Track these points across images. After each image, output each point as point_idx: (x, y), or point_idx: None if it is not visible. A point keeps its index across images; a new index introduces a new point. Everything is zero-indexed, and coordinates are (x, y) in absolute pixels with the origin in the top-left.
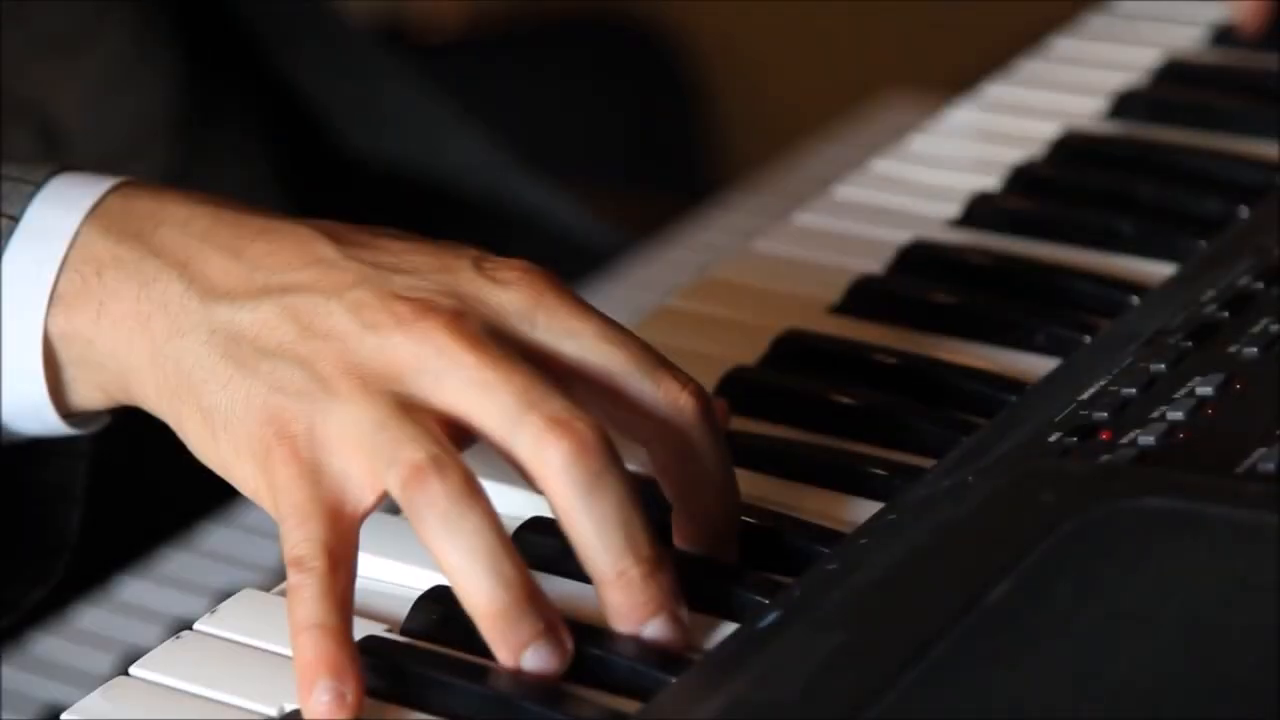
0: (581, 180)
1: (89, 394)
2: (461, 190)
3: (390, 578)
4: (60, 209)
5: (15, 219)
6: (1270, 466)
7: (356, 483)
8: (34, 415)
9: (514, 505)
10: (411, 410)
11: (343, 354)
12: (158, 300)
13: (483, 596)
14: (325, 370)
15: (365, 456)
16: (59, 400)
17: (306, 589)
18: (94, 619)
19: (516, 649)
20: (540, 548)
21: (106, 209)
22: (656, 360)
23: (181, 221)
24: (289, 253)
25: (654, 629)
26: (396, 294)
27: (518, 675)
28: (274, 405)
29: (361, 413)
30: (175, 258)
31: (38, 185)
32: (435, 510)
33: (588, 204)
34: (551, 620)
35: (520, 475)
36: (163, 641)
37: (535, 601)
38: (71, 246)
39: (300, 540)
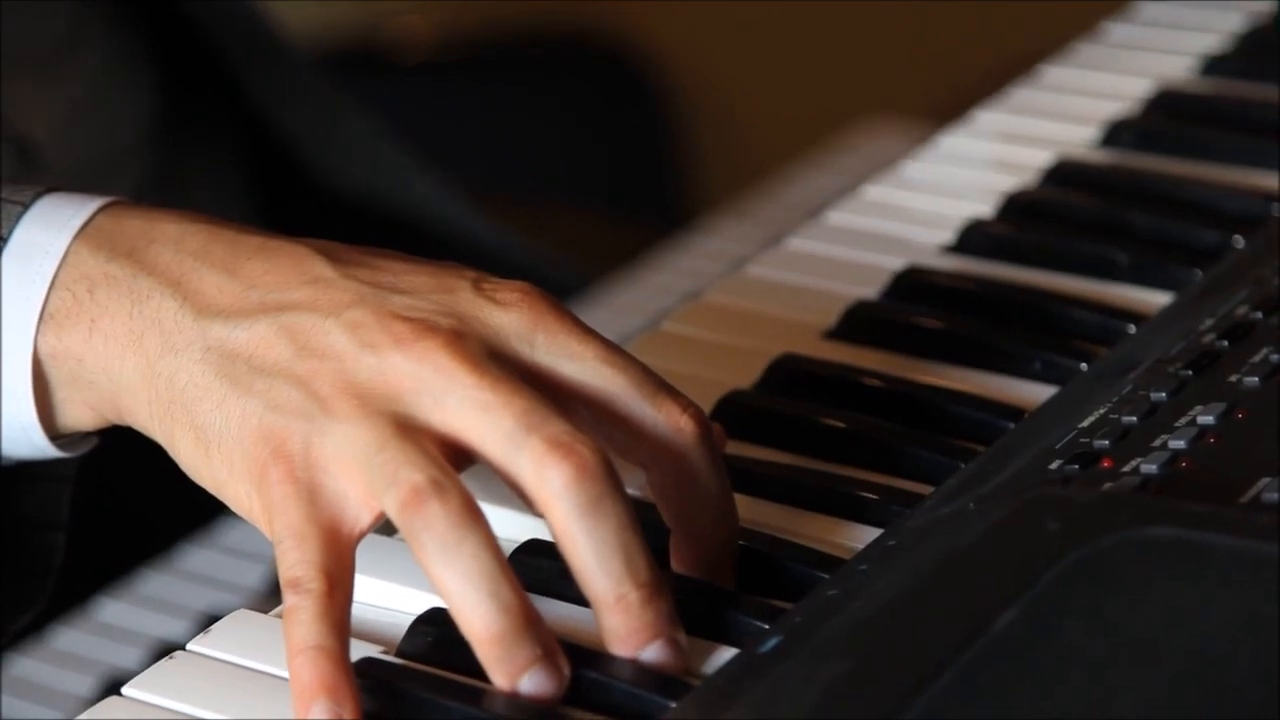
0: (554, 203)
1: (79, 414)
2: (420, 226)
3: (386, 600)
4: (49, 228)
5: (4, 239)
6: (1274, 497)
7: (354, 504)
8: (22, 437)
9: (510, 528)
10: (410, 431)
11: (340, 373)
12: (151, 318)
13: (480, 621)
14: (323, 390)
15: (363, 478)
16: (48, 421)
17: (304, 610)
18: (73, 640)
19: (514, 674)
20: (537, 570)
21: (97, 227)
22: (657, 383)
23: (174, 239)
24: (285, 271)
25: (652, 654)
26: (395, 314)
27: (514, 699)
28: (270, 424)
29: (360, 433)
30: (169, 275)
31: (25, 205)
32: (433, 533)
33: (559, 226)
34: (549, 645)
35: (519, 497)
36: (142, 663)
37: (533, 626)
38: (62, 265)
39: (297, 562)
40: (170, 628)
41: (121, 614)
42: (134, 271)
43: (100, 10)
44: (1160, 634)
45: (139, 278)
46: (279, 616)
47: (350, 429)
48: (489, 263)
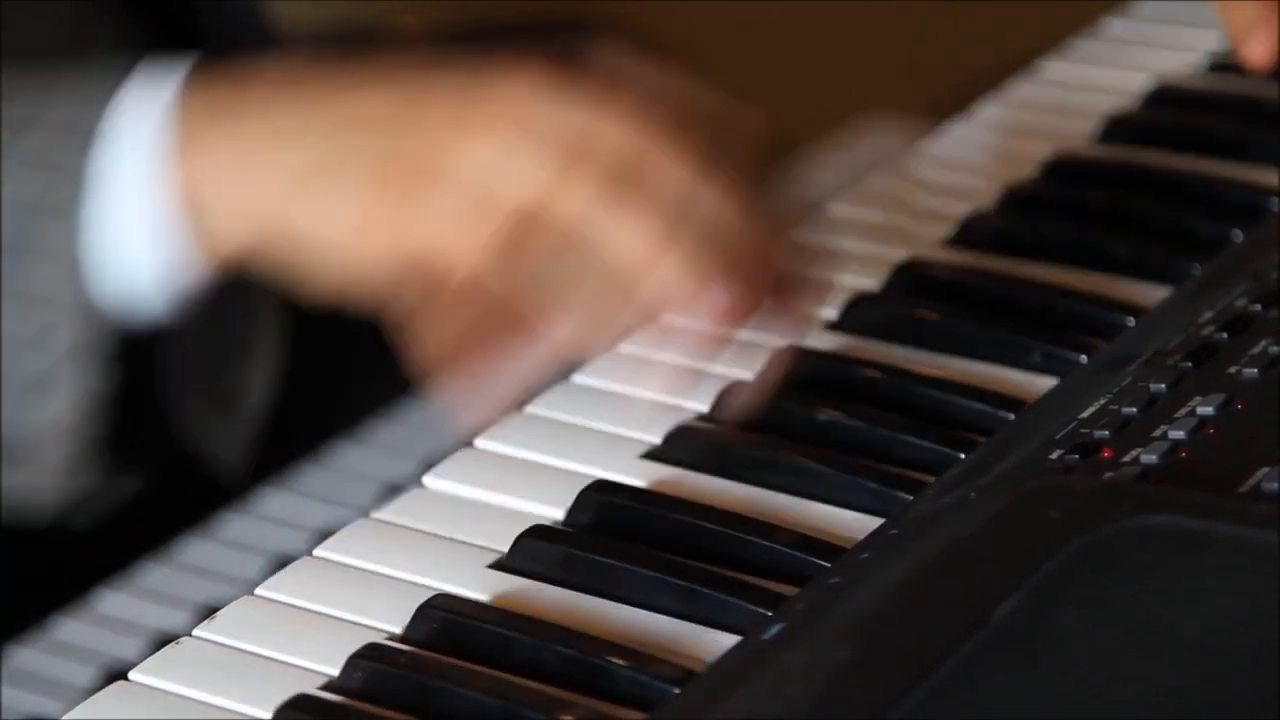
0: None
1: (204, 249)
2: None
3: (391, 587)
4: (154, 84)
5: (111, 99)
6: (1274, 486)
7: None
8: (143, 282)
9: (511, 521)
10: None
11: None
12: (262, 131)
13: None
14: (443, 115)
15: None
16: (171, 268)
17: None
18: (74, 631)
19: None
20: (539, 556)
21: (196, 80)
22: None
23: (275, 77)
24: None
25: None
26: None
27: (519, 685)
28: (398, 160)
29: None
30: (280, 97)
31: (125, 68)
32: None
33: None
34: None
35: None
36: (143, 654)
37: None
38: (173, 110)
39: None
40: (170, 619)
41: (121, 605)
42: (246, 100)
43: (106, 16)
44: (1161, 622)
45: (253, 103)
46: (282, 604)
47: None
48: None
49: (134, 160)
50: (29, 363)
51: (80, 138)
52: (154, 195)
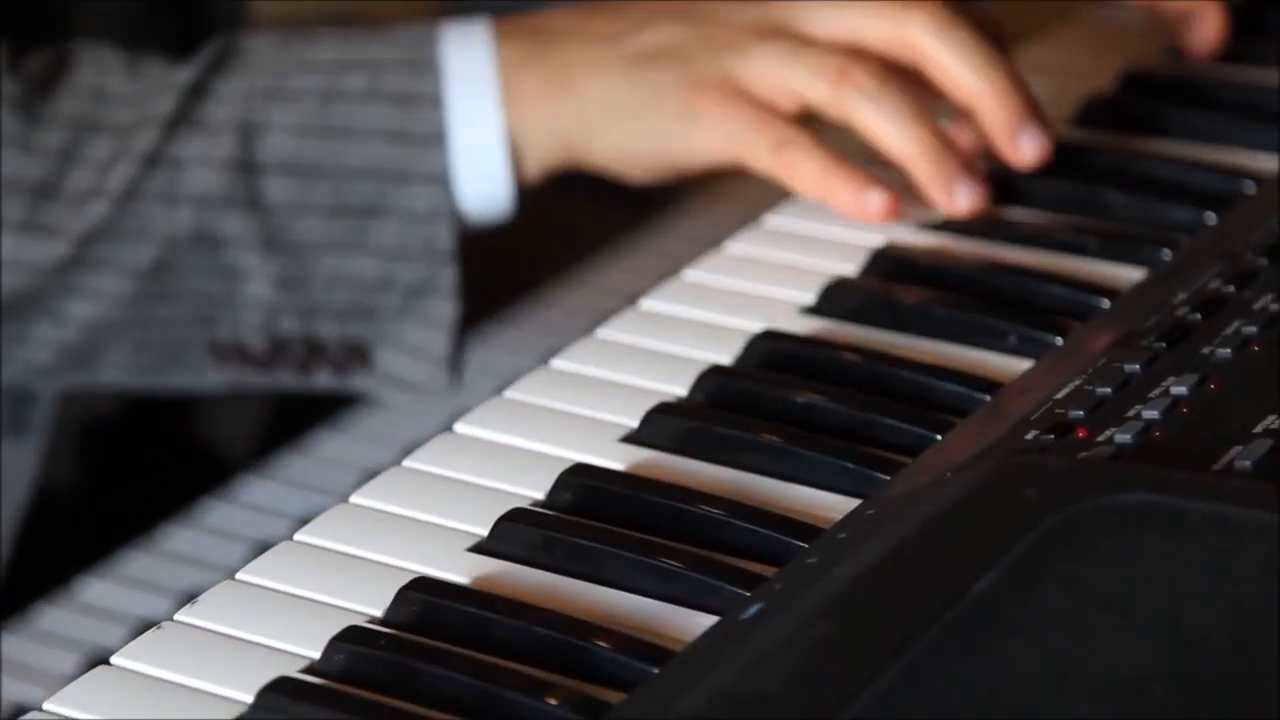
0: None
1: (526, 167)
2: None
3: (371, 570)
4: (466, 35)
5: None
6: (1246, 464)
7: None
8: (485, 194)
9: (495, 499)
10: (806, 40)
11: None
12: (573, 58)
13: (915, 143)
14: (727, 37)
15: (787, 77)
16: (503, 182)
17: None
18: (56, 619)
19: (949, 182)
20: (519, 539)
21: (502, 29)
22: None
23: (565, 22)
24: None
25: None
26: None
27: (500, 666)
28: (695, 71)
29: (772, 51)
30: (571, 30)
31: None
32: (864, 92)
33: (540, 211)
34: (970, 160)
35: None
36: (125, 641)
37: (953, 148)
38: (491, 54)
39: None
40: (152, 606)
41: (103, 593)
42: (544, 42)
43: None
44: (1135, 598)
45: (549, 44)
46: (263, 588)
47: (762, 50)
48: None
49: (465, 95)
50: (414, 270)
51: (428, 72)
52: (486, 127)
